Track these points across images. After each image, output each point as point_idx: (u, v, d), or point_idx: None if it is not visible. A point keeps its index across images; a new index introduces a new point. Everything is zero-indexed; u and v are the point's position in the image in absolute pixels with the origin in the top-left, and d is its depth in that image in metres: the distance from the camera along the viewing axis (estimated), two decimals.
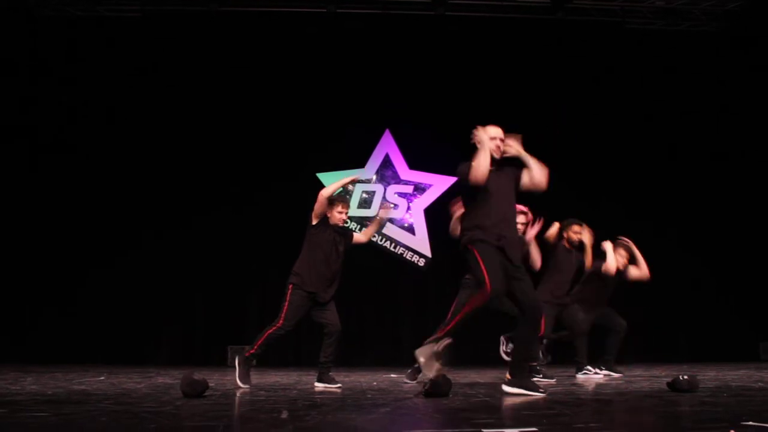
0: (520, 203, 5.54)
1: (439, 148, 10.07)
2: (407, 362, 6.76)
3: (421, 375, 4.76)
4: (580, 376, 6.47)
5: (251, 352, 5.37)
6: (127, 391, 4.80)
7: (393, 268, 10.15)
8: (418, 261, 10.20)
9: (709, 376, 6.14)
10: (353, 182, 5.62)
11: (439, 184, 10.23)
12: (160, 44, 9.95)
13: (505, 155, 4.56)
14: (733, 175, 10.27)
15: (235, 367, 5.36)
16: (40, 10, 9.68)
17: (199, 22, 9.89)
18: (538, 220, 6.25)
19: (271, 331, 5.39)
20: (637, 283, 9.89)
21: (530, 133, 10.84)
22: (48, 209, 9.66)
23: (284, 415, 3.34)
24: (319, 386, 5.37)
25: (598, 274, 6.70)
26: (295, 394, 4.67)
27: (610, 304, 6.94)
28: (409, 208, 10.31)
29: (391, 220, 10.31)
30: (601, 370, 6.64)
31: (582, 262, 6.76)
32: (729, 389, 4.63)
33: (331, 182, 10.15)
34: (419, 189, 10.36)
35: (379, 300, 10.03)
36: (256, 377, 6.60)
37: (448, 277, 8.48)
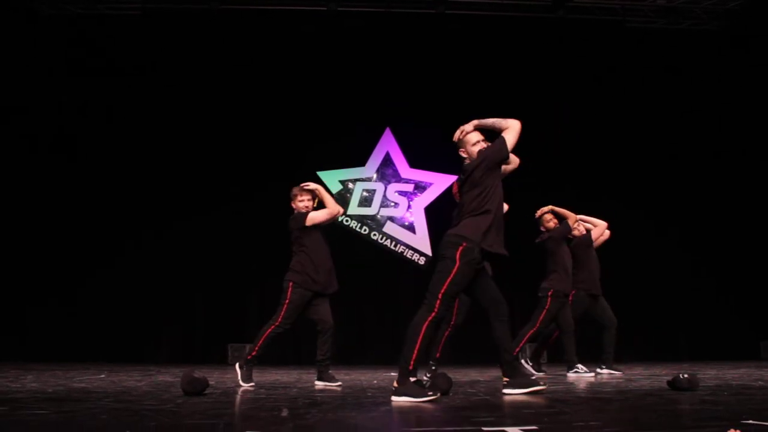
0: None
1: (439, 146, 10.01)
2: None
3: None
4: (571, 375, 6.47)
5: (253, 354, 5.36)
6: (128, 389, 4.80)
7: (393, 267, 10.15)
8: (418, 259, 10.20)
9: (710, 374, 6.14)
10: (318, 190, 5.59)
11: (440, 182, 10.23)
12: (161, 42, 9.95)
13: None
14: (733, 173, 10.27)
15: (236, 369, 5.35)
16: (41, 7, 9.68)
17: (200, 20, 9.89)
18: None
19: (270, 330, 5.38)
20: (637, 283, 9.92)
21: (531, 131, 10.91)
22: (48, 208, 9.67)
23: (284, 413, 3.34)
24: (319, 384, 5.36)
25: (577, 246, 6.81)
26: (295, 393, 4.67)
27: (606, 299, 6.93)
28: (409, 206, 10.32)
29: (392, 219, 10.31)
30: (602, 369, 6.63)
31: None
32: (729, 388, 4.63)
33: (331, 181, 10.26)
34: (420, 187, 10.36)
35: (380, 299, 10.04)
36: (256, 375, 6.61)
37: None
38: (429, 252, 10.09)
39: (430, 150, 10.15)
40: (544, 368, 7.13)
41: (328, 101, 10.02)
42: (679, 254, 10.17)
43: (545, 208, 6.77)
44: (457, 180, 4.62)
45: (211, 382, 4.70)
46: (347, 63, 10.07)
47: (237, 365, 5.38)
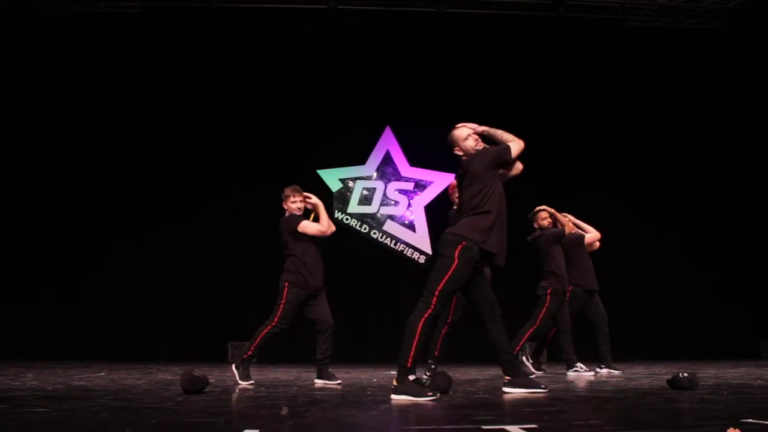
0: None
1: (439, 145, 9.99)
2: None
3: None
4: (570, 374, 6.47)
5: (248, 354, 5.36)
6: (128, 387, 4.80)
7: (393, 265, 10.15)
8: (418, 258, 10.20)
9: (710, 373, 6.14)
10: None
11: (440, 181, 10.23)
12: (161, 40, 9.94)
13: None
14: (734, 172, 10.26)
15: (232, 370, 5.34)
16: (41, 6, 9.67)
17: (200, 18, 9.88)
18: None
19: (266, 330, 5.39)
20: (638, 282, 9.93)
21: (531, 130, 10.88)
22: (48, 206, 9.66)
23: (284, 411, 3.34)
24: (319, 383, 5.36)
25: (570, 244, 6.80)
26: (295, 391, 4.67)
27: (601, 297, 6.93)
28: (409, 205, 10.32)
29: (392, 217, 10.31)
30: (601, 368, 6.62)
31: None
32: (729, 387, 4.63)
33: (331, 180, 10.26)
34: (420, 186, 10.36)
35: (380, 297, 10.04)
36: (256, 374, 6.61)
37: None
38: (429, 250, 10.09)
39: (431, 148, 10.13)
40: (543, 367, 7.13)
41: (328, 99, 10.01)
42: (678, 253, 10.17)
43: (544, 207, 6.76)
44: (456, 176, 4.63)
45: (210, 381, 4.71)
46: (347, 61, 10.06)
47: (233, 366, 5.38)
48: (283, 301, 5.41)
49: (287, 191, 5.65)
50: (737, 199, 10.21)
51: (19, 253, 9.52)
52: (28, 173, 9.71)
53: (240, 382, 5.23)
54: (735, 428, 2.47)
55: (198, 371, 4.47)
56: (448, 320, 6.00)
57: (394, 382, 3.97)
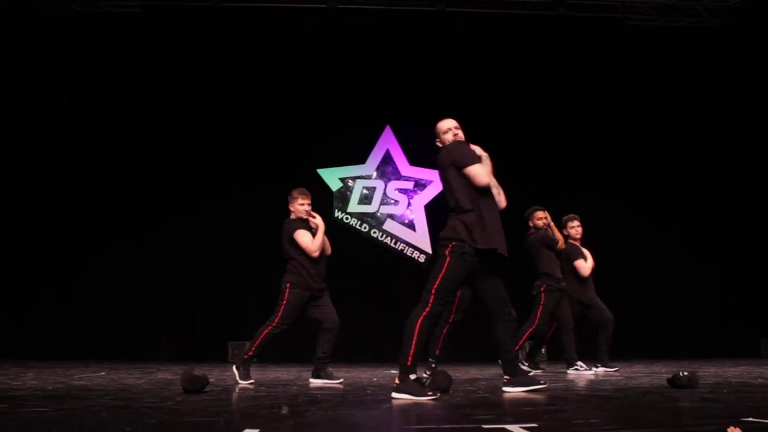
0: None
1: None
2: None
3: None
4: (571, 372, 6.47)
5: (249, 354, 5.36)
6: (128, 387, 4.80)
7: (393, 265, 10.16)
8: (418, 257, 10.20)
9: (710, 372, 6.15)
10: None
11: (440, 180, 10.20)
12: (161, 40, 9.94)
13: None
14: (734, 172, 10.26)
15: (233, 370, 5.35)
16: (41, 5, 9.67)
17: (200, 18, 9.88)
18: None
19: (267, 330, 5.39)
20: (638, 281, 9.92)
21: (531, 129, 10.91)
22: (48, 206, 9.66)
23: (284, 410, 3.34)
24: (316, 382, 5.36)
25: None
26: (295, 390, 4.68)
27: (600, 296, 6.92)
28: (409, 204, 10.32)
29: (392, 216, 10.32)
30: (597, 367, 6.62)
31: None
32: (729, 385, 4.63)
33: (331, 179, 10.26)
34: (420, 185, 10.36)
35: (380, 296, 10.04)
36: (256, 373, 6.62)
37: None
38: (429, 250, 10.09)
39: (430, 148, 10.00)
40: (542, 366, 7.13)
41: (328, 99, 10.01)
42: (678, 253, 10.17)
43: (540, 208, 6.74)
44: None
45: (211, 380, 4.71)
46: (347, 61, 10.06)
47: (234, 366, 5.38)
48: (285, 302, 5.41)
49: (295, 193, 5.66)
50: (737, 198, 10.21)
51: (19, 253, 9.52)
52: (27, 173, 9.71)
53: (240, 381, 5.23)
54: (735, 427, 2.47)
55: (198, 371, 4.47)
56: (450, 320, 6.01)
57: (396, 381, 3.98)
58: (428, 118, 10.34)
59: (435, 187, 10.24)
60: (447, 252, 4.08)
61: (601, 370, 6.58)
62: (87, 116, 9.95)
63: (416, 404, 3.63)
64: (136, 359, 9.00)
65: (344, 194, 10.22)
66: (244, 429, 2.67)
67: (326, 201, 10.13)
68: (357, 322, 9.80)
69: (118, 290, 9.50)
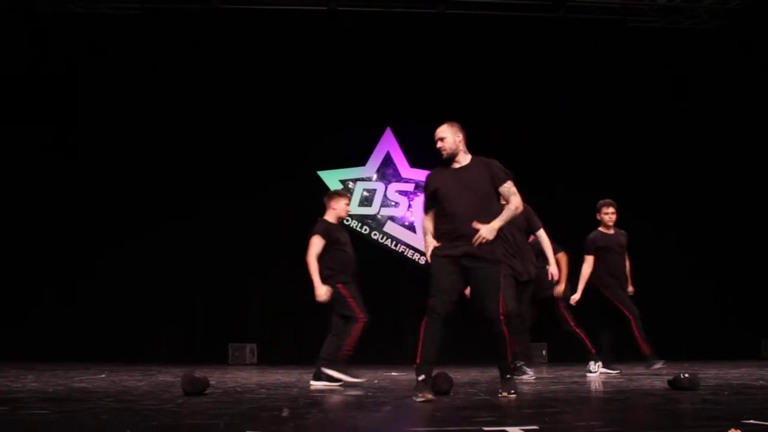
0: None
1: None
2: (407, 360, 6.77)
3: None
4: (599, 371, 6.46)
5: (347, 353, 5.45)
6: (128, 389, 4.80)
7: (394, 267, 10.15)
8: (419, 259, 10.20)
9: (710, 374, 6.14)
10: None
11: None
12: (161, 41, 9.94)
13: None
14: (733, 173, 10.26)
15: (328, 372, 5.36)
16: (41, 6, 9.67)
17: (200, 19, 9.87)
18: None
19: (358, 328, 5.43)
20: (637, 283, 9.91)
21: (531, 131, 10.92)
22: (48, 207, 9.65)
23: (285, 413, 3.34)
24: (317, 384, 5.34)
25: None
26: (296, 392, 4.67)
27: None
28: (410, 206, 10.32)
29: (392, 218, 10.32)
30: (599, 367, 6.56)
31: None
32: (730, 387, 4.63)
33: (331, 181, 10.25)
34: (420, 187, 10.35)
35: (380, 298, 10.01)
36: (256, 376, 6.62)
37: None
38: None
39: (431, 149, 10.03)
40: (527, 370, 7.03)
41: (328, 101, 10.01)
42: (678, 254, 10.16)
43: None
44: None
45: (211, 382, 4.70)
46: (347, 62, 10.05)
47: (329, 370, 5.40)
48: (350, 298, 5.56)
49: (341, 193, 6.01)
50: (737, 199, 10.20)
51: (19, 254, 9.52)
52: (27, 173, 9.70)
53: (350, 380, 5.33)
54: (736, 429, 2.47)
55: (199, 373, 4.47)
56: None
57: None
58: (428, 120, 10.34)
59: None
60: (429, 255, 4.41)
61: (602, 370, 6.53)
62: (87, 117, 9.94)
63: (417, 406, 3.62)
64: (136, 360, 8.99)
65: None
66: (244, 431, 2.67)
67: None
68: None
69: (118, 291, 9.49)
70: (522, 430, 2.65)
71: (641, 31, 10.28)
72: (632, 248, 9.82)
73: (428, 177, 4.53)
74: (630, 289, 7.03)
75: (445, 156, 4.44)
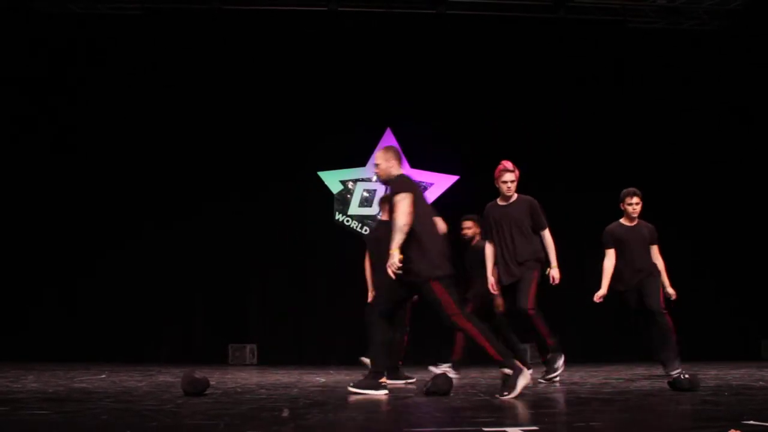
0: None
1: (440, 146, 10.08)
2: (408, 361, 6.77)
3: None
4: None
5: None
6: (128, 389, 4.80)
7: None
8: None
9: (710, 374, 6.14)
10: None
11: (441, 182, 10.22)
12: (161, 42, 9.94)
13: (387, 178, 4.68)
14: (733, 174, 10.25)
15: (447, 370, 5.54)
16: (41, 6, 9.67)
17: (201, 20, 9.88)
18: None
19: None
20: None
21: (531, 131, 10.91)
22: (49, 207, 9.66)
23: (285, 413, 3.34)
24: (399, 383, 5.60)
25: None
26: (296, 393, 4.67)
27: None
28: None
29: None
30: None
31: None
32: (730, 388, 4.63)
33: (332, 181, 10.25)
34: (420, 187, 10.35)
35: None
36: (256, 376, 6.62)
37: None
38: None
39: (431, 150, 10.15)
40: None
41: (328, 101, 10.01)
42: (678, 254, 10.13)
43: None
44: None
45: (211, 383, 4.70)
46: (348, 63, 10.06)
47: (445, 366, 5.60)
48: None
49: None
50: (737, 199, 10.20)
51: (20, 253, 9.52)
52: (27, 173, 9.71)
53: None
54: (737, 430, 2.47)
55: (199, 373, 4.47)
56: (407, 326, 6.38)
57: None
58: (429, 121, 10.40)
59: (436, 190, 10.24)
60: None
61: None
62: (87, 117, 9.94)
63: (415, 405, 3.62)
64: (136, 361, 9.00)
65: (345, 197, 10.22)
66: (244, 431, 2.67)
67: (327, 203, 10.14)
68: (357, 324, 9.79)
69: (118, 291, 9.50)
70: (522, 430, 2.65)
71: (641, 31, 10.28)
72: None
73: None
74: (669, 290, 6.50)
75: (380, 181, 4.90)
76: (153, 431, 2.78)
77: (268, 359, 9.57)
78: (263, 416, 3.23)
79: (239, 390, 4.92)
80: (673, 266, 10.05)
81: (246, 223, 9.79)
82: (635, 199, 6.13)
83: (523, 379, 4.04)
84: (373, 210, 10.30)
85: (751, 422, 2.76)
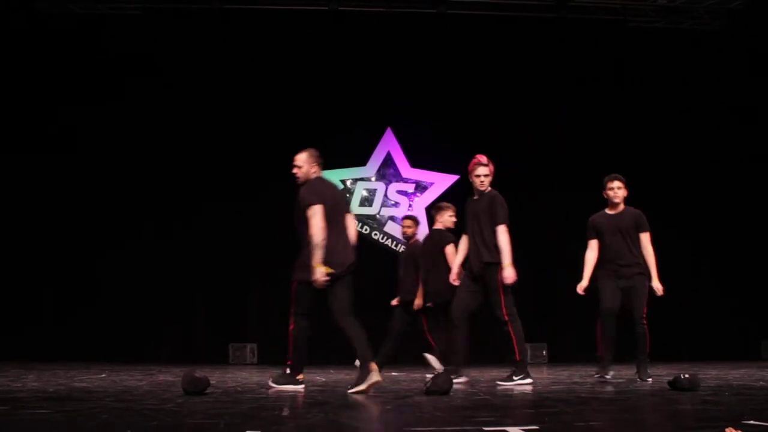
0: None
1: (440, 146, 10.08)
2: (408, 360, 6.78)
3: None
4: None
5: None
6: (129, 389, 4.80)
7: (394, 267, 10.13)
8: None
9: (711, 374, 6.14)
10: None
11: (441, 182, 10.23)
12: (161, 42, 9.94)
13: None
14: (733, 173, 10.26)
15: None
16: (41, 6, 9.67)
17: (201, 20, 9.88)
18: None
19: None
20: None
21: (531, 131, 10.91)
22: (49, 208, 9.66)
23: (285, 412, 3.34)
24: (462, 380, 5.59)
25: None
26: (296, 392, 4.67)
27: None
28: (410, 206, 10.32)
29: (392, 218, 10.32)
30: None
31: None
32: (730, 388, 4.63)
33: (332, 180, 10.23)
34: (421, 187, 10.36)
35: (380, 298, 10.02)
36: (257, 376, 6.62)
37: None
38: None
39: (431, 150, 10.15)
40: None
41: (329, 101, 10.01)
42: (678, 255, 10.15)
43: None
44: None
45: (212, 382, 4.71)
46: (348, 63, 10.06)
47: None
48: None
49: (446, 205, 6.62)
50: (737, 199, 10.20)
51: (20, 253, 9.52)
52: (28, 174, 9.70)
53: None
54: (736, 429, 2.47)
55: (199, 373, 4.47)
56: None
57: None
58: (429, 121, 10.41)
59: (436, 190, 10.24)
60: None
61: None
62: (86, 117, 9.94)
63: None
64: (136, 360, 9.00)
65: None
66: (245, 431, 2.67)
67: None
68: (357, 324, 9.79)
69: (118, 291, 9.50)
70: (522, 430, 2.65)
71: (642, 31, 10.28)
72: None
73: None
74: (656, 285, 5.86)
75: (299, 182, 5.12)
76: (153, 430, 2.78)
77: (268, 359, 9.57)
78: (263, 415, 3.23)
79: (239, 389, 4.92)
80: (673, 266, 10.06)
81: (246, 223, 9.79)
82: (616, 183, 5.92)
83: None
84: (374, 209, 10.31)
85: (751, 422, 2.76)
